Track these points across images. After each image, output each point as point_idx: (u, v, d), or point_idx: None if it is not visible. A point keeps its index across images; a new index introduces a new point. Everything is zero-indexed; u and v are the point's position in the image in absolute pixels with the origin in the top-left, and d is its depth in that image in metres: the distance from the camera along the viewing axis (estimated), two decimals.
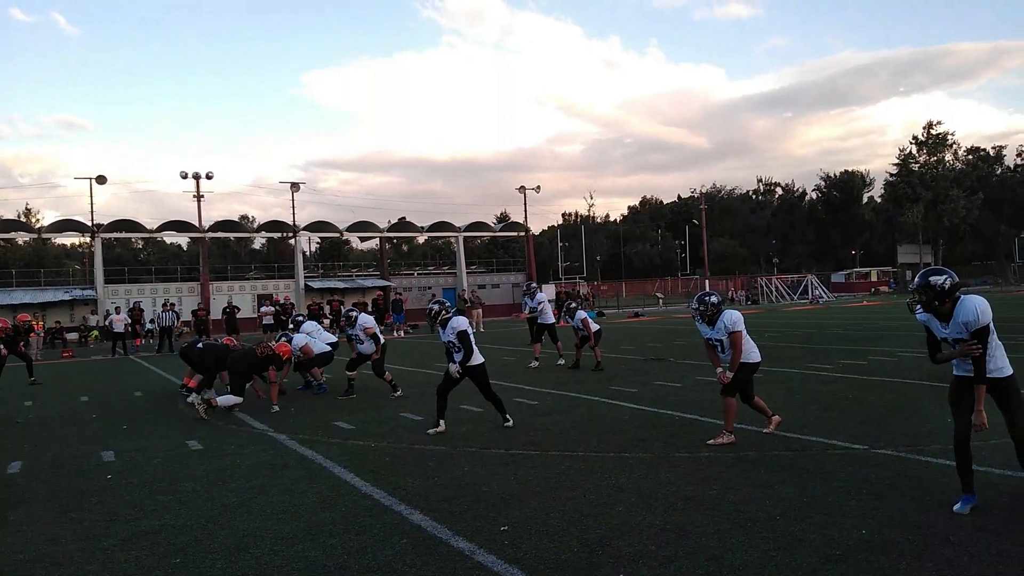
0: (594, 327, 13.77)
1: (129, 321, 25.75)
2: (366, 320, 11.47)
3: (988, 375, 4.61)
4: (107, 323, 26.81)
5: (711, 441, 6.82)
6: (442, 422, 8.04)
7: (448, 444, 7.40)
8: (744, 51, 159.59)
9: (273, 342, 11.43)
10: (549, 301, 15.91)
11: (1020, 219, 68.41)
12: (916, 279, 4.87)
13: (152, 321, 27.97)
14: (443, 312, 8.20)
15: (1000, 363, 4.67)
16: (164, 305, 26.66)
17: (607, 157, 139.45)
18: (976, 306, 4.60)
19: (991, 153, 73.10)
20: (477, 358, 8.05)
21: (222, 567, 4.28)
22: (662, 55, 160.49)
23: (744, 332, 6.81)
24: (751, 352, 6.88)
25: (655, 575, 3.85)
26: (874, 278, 67.57)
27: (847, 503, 4.87)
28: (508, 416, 8.17)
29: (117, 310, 26.45)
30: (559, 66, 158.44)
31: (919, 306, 4.79)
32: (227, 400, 9.92)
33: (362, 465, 6.66)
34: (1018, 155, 71.96)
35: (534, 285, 16.30)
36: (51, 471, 7.08)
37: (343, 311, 11.88)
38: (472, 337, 8.04)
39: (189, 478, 6.51)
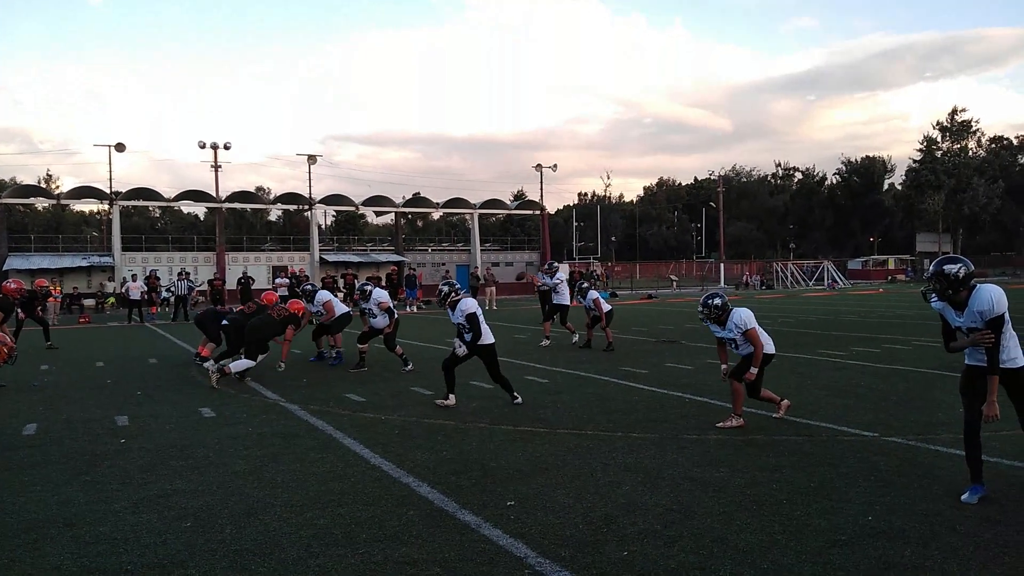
0: (606, 308, 13.75)
1: (145, 289, 25.98)
2: (380, 294, 11.55)
3: (1001, 365, 4.57)
4: (124, 290, 27.07)
5: (720, 424, 6.83)
6: (452, 396, 8.09)
7: (457, 419, 7.45)
8: (769, 31, 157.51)
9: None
10: (564, 281, 15.85)
11: None
12: (931, 267, 4.83)
13: (168, 289, 28.16)
14: (452, 294, 8.25)
15: (1014, 353, 4.63)
16: (179, 274, 26.85)
17: (625, 137, 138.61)
18: (991, 295, 4.55)
19: (1015, 142, 72.02)
20: (487, 338, 8.09)
21: (231, 532, 4.34)
22: (687, 34, 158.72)
23: (757, 326, 6.78)
24: (766, 344, 6.87)
25: (660, 554, 3.87)
26: (891, 266, 66.99)
27: (854, 489, 4.87)
28: (517, 394, 8.20)
29: (134, 278, 26.66)
30: (582, 45, 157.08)
31: (934, 294, 4.74)
32: (240, 365, 10.02)
33: (372, 437, 6.71)
34: None
35: (556, 265, 16.25)
36: (65, 434, 7.18)
37: (358, 285, 12.15)
38: (481, 318, 8.08)
39: (201, 445, 6.59)
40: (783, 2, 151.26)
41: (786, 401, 7.16)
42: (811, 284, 53.22)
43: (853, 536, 4.05)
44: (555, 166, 52.17)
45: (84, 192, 41.52)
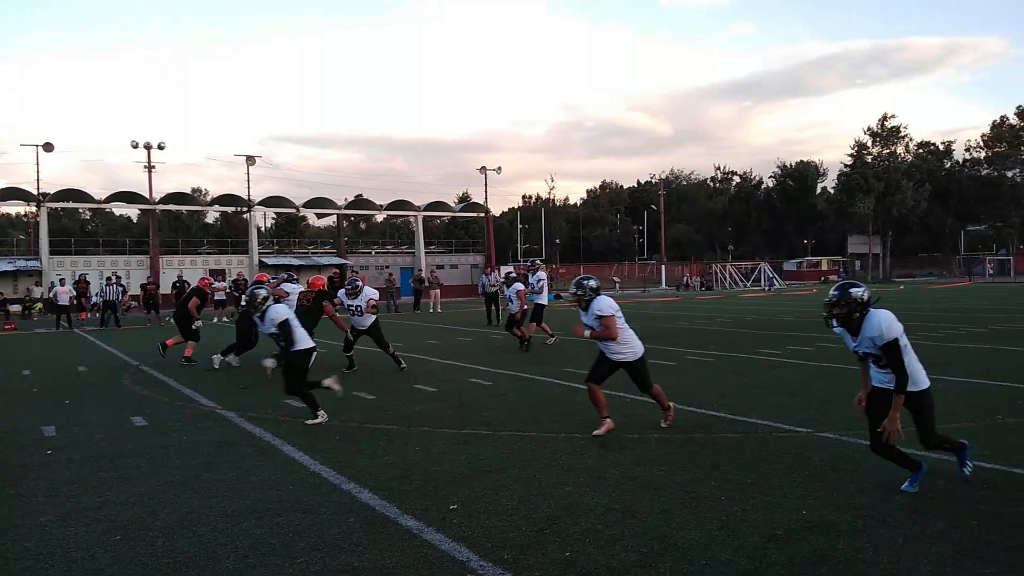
0: (523, 305, 13.95)
1: (75, 294, 25.11)
2: (372, 292, 11.29)
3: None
4: (52, 295, 26.03)
5: (596, 432, 6.55)
6: (321, 412, 7.44)
7: (400, 423, 7.37)
8: (709, 37, 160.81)
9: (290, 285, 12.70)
10: (508, 280, 15.77)
11: (966, 212, 70.44)
12: (833, 291, 4.80)
13: (98, 294, 27.22)
14: (263, 302, 7.51)
15: (916, 377, 4.66)
16: (108, 279, 25.94)
17: (569, 140, 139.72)
18: (881, 321, 4.57)
19: (940, 147, 75.06)
20: (304, 343, 7.48)
21: (163, 544, 4.20)
22: (628, 38, 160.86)
23: (620, 321, 6.57)
24: (633, 342, 6.71)
25: (602, 554, 3.89)
26: (825, 267, 69.15)
27: (789, 485, 4.98)
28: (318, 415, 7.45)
29: (62, 282, 25.67)
30: (525, 47, 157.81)
31: (834, 320, 4.77)
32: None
33: (312, 444, 6.59)
34: (966, 150, 73.98)
35: (537, 261, 15.81)
36: None
37: (350, 280, 11.79)
38: (295, 322, 7.46)
39: (132, 455, 6.37)
40: (722, 8, 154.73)
41: (672, 412, 6.85)
42: (748, 285, 54.50)
43: (788, 531, 4.14)
44: (499, 169, 52.27)
45: (9, 193, 39.83)
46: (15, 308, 32.34)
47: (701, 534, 4.13)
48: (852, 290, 4.73)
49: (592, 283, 6.72)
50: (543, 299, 14.90)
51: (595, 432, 6.57)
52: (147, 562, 3.96)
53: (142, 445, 6.73)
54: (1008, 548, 3.81)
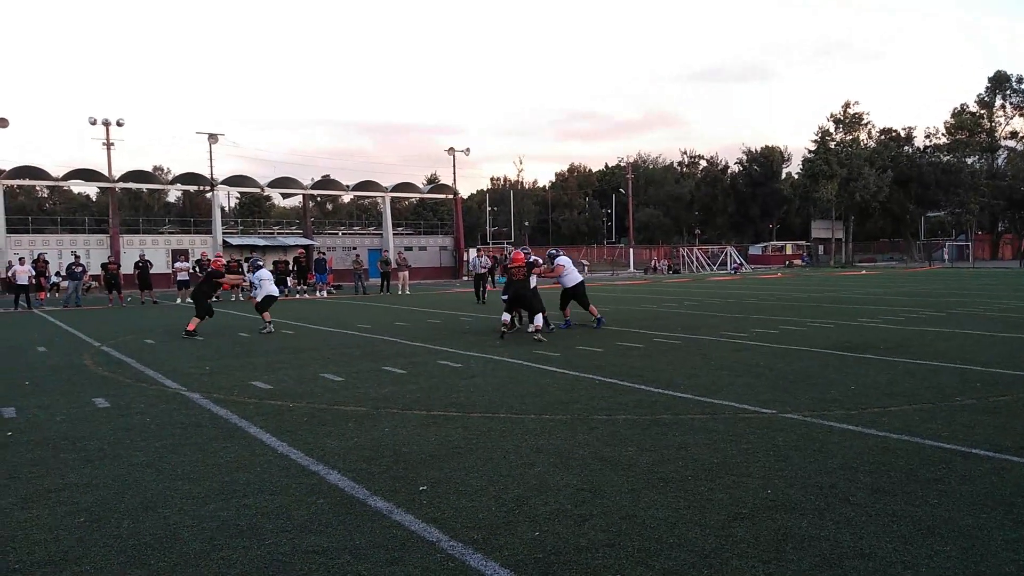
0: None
1: (33, 273, 24.50)
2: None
3: None
4: (10, 275, 25.39)
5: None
6: None
7: (369, 405, 7.34)
8: (677, 21, 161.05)
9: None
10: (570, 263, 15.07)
11: (926, 198, 71.74)
12: None
13: (58, 274, 26.61)
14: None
15: None
16: (22, 261, 24.87)
17: (537, 123, 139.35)
18: None
19: (902, 134, 76.24)
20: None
21: (128, 527, 4.14)
22: (598, 20, 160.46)
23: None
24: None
25: (570, 533, 3.92)
26: (789, 251, 70.10)
27: (755, 464, 5.07)
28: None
29: (21, 261, 25.03)
30: (491, 27, 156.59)
31: None
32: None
33: (279, 425, 6.54)
34: (926, 137, 75.22)
35: (556, 251, 15.41)
36: None
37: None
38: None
39: (95, 436, 6.26)
40: None
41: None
42: (715, 269, 55.11)
43: (754, 509, 4.21)
44: (468, 150, 52.22)
45: None
46: None
47: (668, 513, 4.18)
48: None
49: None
50: (569, 282, 14.28)
51: None
52: (112, 544, 3.90)
53: (105, 427, 6.61)
54: (966, 526, 3.92)
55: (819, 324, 14.18)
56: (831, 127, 68.30)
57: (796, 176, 77.08)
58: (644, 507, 4.28)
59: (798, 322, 14.63)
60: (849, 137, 68.22)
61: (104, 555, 3.77)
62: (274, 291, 15.23)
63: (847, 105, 68.25)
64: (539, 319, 12.35)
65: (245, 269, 16.46)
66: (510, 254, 15.13)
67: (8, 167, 38.14)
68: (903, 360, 9.54)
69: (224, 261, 15.70)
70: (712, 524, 4.00)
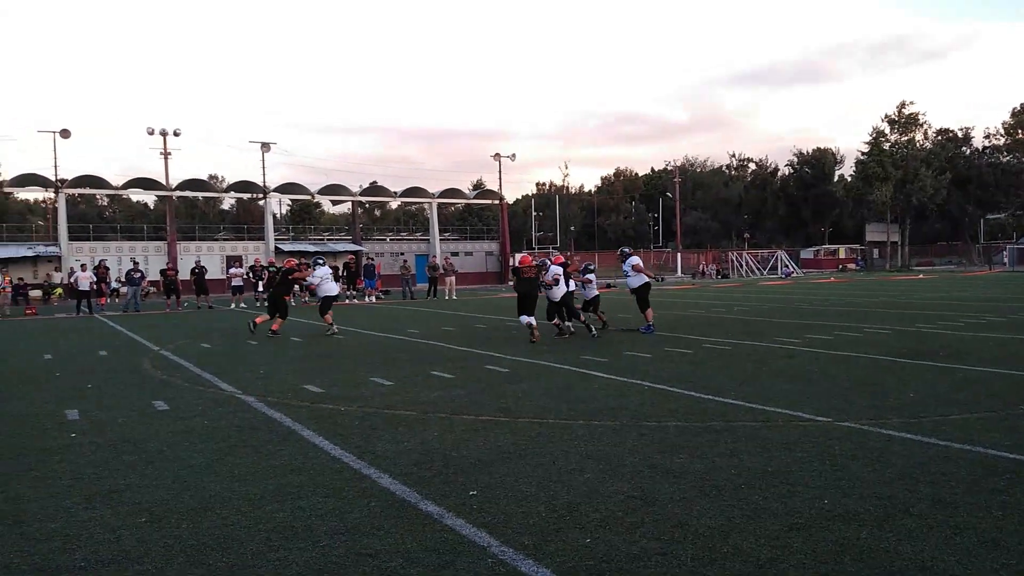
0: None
1: (95, 279, 25.32)
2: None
3: None
4: (72, 281, 26.31)
5: None
6: None
7: (418, 409, 7.40)
8: (724, 24, 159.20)
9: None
10: (586, 270, 15.71)
11: (986, 200, 69.58)
12: None
13: (118, 280, 27.45)
14: None
15: None
16: (84, 267, 25.72)
17: (582, 127, 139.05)
18: None
19: (959, 134, 74.05)
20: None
21: (188, 528, 4.25)
22: (641, 24, 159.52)
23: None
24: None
25: (622, 540, 3.89)
26: (842, 255, 68.64)
27: (810, 473, 4.96)
28: None
29: (83, 268, 25.92)
30: (536, 33, 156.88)
31: None
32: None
33: (331, 429, 6.63)
34: (985, 137, 72.95)
35: (627, 250, 15.37)
36: (13, 429, 6.96)
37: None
38: None
39: (154, 438, 6.44)
40: None
41: None
42: (765, 273, 54.21)
43: (810, 519, 4.13)
44: (514, 156, 52.15)
45: (28, 180, 40.22)
46: (35, 293, 32.70)
47: (722, 521, 4.12)
48: None
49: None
50: (633, 283, 14.65)
51: None
52: (172, 544, 4.01)
53: (164, 429, 6.79)
54: None
55: (875, 329, 13.84)
56: (885, 128, 66.70)
57: (849, 178, 75.46)
58: (696, 515, 4.23)
59: (853, 327, 14.30)
60: (904, 138, 66.50)
61: (164, 555, 3.87)
62: (332, 290, 16.03)
63: (902, 105, 66.59)
64: (529, 321, 13.00)
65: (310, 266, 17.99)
66: (549, 260, 15.28)
67: (70, 176, 39.49)
68: (963, 367, 9.25)
69: (296, 262, 16.51)
70: (767, 534, 3.93)
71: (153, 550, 3.93)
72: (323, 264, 16.55)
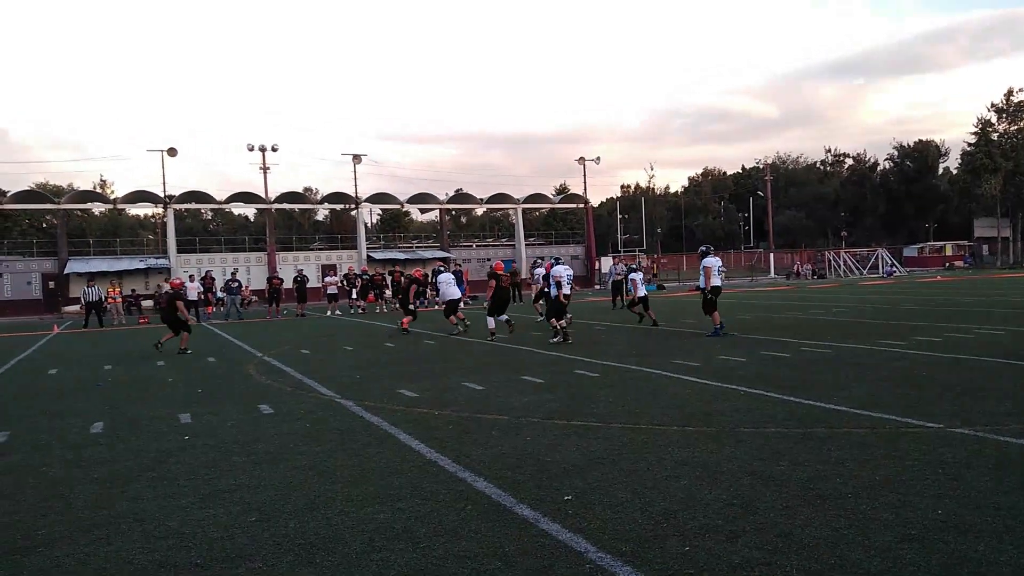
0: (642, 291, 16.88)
1: (202, 289, 26.63)
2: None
3: None
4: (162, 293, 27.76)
5: None
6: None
7: (510, 414, 7.46)
8: (813, 15, 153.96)
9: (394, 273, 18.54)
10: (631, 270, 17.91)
11: None
12: None
13: (223, 289, 28.79)
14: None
15: None
16: (192, 278, 27.14)
17: (667, 127, 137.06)
18: None
19: None
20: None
21: (295, 526, 4.42)
22: (725, 20, 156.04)
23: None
24: None
25: (723, 549, 3.82)
26: (949, 252, 65.11)
27: (922, 483, 4.74)
28: None
29: (191, 278, 27.34)
30: (616, 34, 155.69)
31: None
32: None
33: (426, 432, 6.76)
34: None
35: (706, 248, 15.21)
36: (131, 432, 7.40)
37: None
38: None
39: (261, 440, 6.73)
40: None
41: None
42: (865, 272, 52.03)
43: (923, 530, 3.94)
44: (598, 159, 52.00)
45: (139, 196, 42.76)
46: (147, 304, 34.64)
47: (828, 532, 3.98)
48: None
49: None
50: (642, 291, 17.17)
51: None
52: (281, 542, 4.18)
53: (270, 432, 7.09)
54: None
55: (988, 331, 13.08)
56: (992, 117, 62.89)
57: (954, 171, 71.56)
58: (801, 525, 4.10)
59: (963, 329, 13.56)
60: (1014, 127, 62.55)
61: (274, 553, 4.04)
62: (455, 294, 17.52)
63: (1010, 93, 62.61)
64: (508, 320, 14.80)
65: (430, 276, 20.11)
66: (638, 264, 15.97)
67: (176, 192, 41.73)
68: None
69: (423, 272, 18.61)
70: (877, 545, 3.78)
71: (264, 548, 4.11)
72: (443, 271, 18.74)
